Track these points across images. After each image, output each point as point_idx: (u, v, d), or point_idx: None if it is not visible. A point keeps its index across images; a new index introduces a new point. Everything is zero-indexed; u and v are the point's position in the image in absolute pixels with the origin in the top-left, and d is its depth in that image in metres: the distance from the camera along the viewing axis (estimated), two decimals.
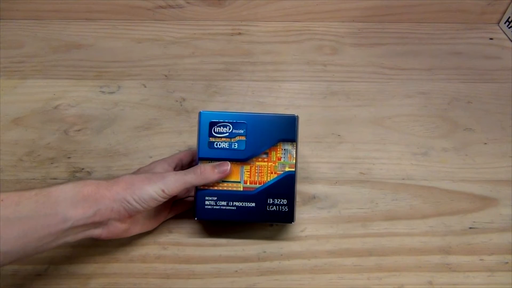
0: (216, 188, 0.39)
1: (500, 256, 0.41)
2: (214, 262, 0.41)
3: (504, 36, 0.70)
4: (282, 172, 0.39)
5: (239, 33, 0.71)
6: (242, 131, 0.39)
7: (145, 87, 0.60)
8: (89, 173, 0.48)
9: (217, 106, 0.57)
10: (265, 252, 0.42)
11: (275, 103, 0.58)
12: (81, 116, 0.56)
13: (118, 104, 0.57)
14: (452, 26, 0.72)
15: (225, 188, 0.39)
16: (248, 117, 0.39)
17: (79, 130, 0.54)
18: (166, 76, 0.62)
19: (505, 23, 0.71)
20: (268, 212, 0.39)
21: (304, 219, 0.44)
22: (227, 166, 0.38)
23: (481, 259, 0.41)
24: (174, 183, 0.36)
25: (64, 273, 0.40)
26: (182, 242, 0.43)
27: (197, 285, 0.39)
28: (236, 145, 0.39)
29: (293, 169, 0.39)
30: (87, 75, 0.62)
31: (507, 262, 0.41)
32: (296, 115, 0.40)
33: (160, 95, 0.59)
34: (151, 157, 0.50)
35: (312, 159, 0.50)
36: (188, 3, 0.70)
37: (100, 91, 0.59)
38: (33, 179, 0.48)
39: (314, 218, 0.45)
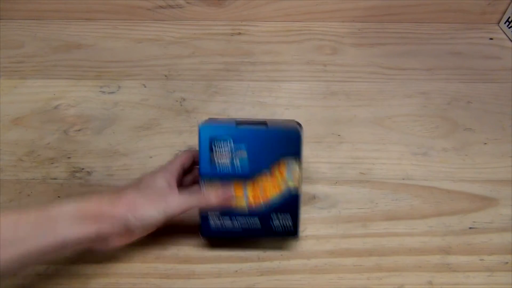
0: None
1: (500, 256, 0.41)
2: (214, 262, 0.41)
3: (504, 36, 0.70)
4: (285, 188, 0.38)
5: (239, 33, 0.71)
6: (243, 148, 0.38)
7: (145, 87, 0.60)
8: (89, 173, 0.48)
9: (217, 106, 0.57)
10: (265, 252, 0.42)
11: (275, 103, 0.58)
12: (81, 116, 0.56)
13: (118, 104, 0.57)
14: (452, 26, 0.72)
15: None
16: (249, 132, 0.38)
17: (79, 130, 0.54)
18: (166, 76, 0.62)
19: (505, 23, 0.71)
20: (272, 227, 0.39)
21: (304, 219, 0.44)
22: (231, 195, 0.38)
23: (481, 259, 0.41)
24: (177, 207, 0.36)
25: (64, 273, 0.40)
26: (182, 242, 0.43)
27: (197, 285, 0.39)
28: (238, 162, 0.38)
29: (297, 185, 0.38)
30: (87, 75, 0.62)
31: (507, 262, 0.41)
32: (299, 128, 0.38)
33: (160, 95, 0.59)
34: (151, 157, 0.50)
35: (312, 159, 0.50)
36: (188, 3, 0.70)
37: (100, 91, 0.59)
38: (33, 179, 0.48)
39: (314, 218, 0.45)
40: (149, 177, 0.38)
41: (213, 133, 0.38)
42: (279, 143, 0.38)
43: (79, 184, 0.47)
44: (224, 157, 0.38)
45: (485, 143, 0.53)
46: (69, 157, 0.50)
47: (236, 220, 0.39)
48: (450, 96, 0.59)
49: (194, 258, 0.41)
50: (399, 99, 0.59)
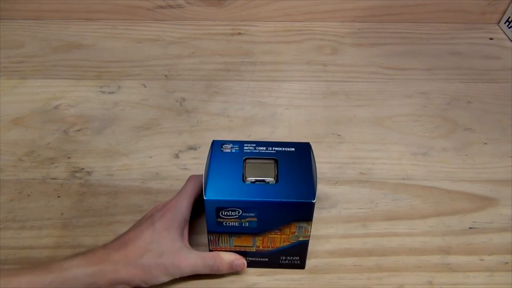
0: (228, 249, 0.38)
1: (500, 256, 0.41)
2: None
3: (504, 36, 0.70)
4: (295, 241, 0.37)
5: (239, 33, 0.71)
6: (253, 214, 0.35)
7: (145, 87, 0.60)
8: (89, 173, 0.49)
9: (217, 106, 0.57)
10: None
11: (275, 103, 0.58)
12: (81, 116, 0.56)
13: (118, 104, 0.57)
14: (452, 26, 0.72)
15: (237, 250, 0.38)
16: (259, 204, 0.34)
17: (79, 130, 0.54)
18: (166, 76, 0.62)
19: (505, 23, 0.71)
20: (280, 264, 0.40)
21: None
22: (243, 263, 0.38)
23: (481, 259, 0.41)
24: (188, 272, 0.36)
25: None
26: None
27: (197, 285, 0.39)
28: (247, 224, 0.36)
29: (307, 239, 0.37)
30: (87, 75, 0.62)
31: (507, 262, 0.41)
32: (313, 201, 0.34)
33: (160, 95, 0.59)
34: (151, 157, 0.50)
35: None
36: (188, 3, 0.70)
37: (100, 91, 0.59)
38: (33, 179, 0.48)
39: (314, 218, 0.45)
40: (163, 233, 0.36)
41: (220, 204, 0.34)
42: (291, 211, 0.35)
43: (79, 184, 0.47)
44: (232, 221, 0.35)
45: (485, 143, 0.53)
46: (69, 157, 0.50)
47: (246, 258, 0.39)
48: (450, 96, 0.59)
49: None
50: (399, 99, 0.59)
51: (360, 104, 0.58)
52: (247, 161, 0.36)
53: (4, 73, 0.62)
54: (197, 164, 0.50)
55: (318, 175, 0.36)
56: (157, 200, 0.46)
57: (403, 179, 0.49)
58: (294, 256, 0.39)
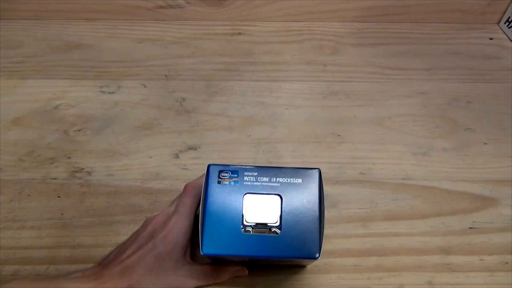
0: (229, 259, 0.37)
1: (500, 256, 0.41)
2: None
3: (504, 36, 0.70)
4: (300, 264, 0.38)
5: (239, 33, 0.71)
6: (255, 259, 0.34)
7: (145, 87, 0.60)
8: (89, 173, 0.48)
9: (217, 106, 0.57)
10: None
11: (275, 103, 0.58)
12: (81, 116, 0.56)
13: (118, 104, 0.57)
14: (452, 26, 0.72)
15: (238, 261, 0.38)
16: (260, 258, 0.33)
17: (79, 130, 0.54)
18: (166, 76, 0.62)
19: (505, 23, 0.71)
20: (282, 266, 0.40)
21: None
22: (244, 270, 0.39)
23: (481, 259, 0.41)
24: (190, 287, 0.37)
25: (64, 273, 0.40)
26: None
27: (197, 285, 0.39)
28: (248, 260, 0.35)
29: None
30: (87, 75, 0.62)
31: (507, 262, 0.41)
32: (317, 257, 0.31)
33: (160, 95, 0.59)
34: (151, 157, 0.50)
35: (312, 159, 0.50)
36: (188, 3, 0.70)
37: (100, 91, 0.59)
38: (33, 179, 0.48)
39: None
40: (166, 258, 0.35)
41: (218, 256, 0.32)
42: (295, 258, 0.33)
43: (79, 184, 0.47)
44: (233, 259, 0.35)
45: (485, 143, 0.53)
46: (69, 157, 0.50)
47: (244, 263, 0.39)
48: (450, 96, 0.59)
49: (194, 258, 0.41)
50: (399, 99, 0.59)
51: (360, 104, 0.58)
52: (247, 198, 0.32)
53: (4, 73, 0.62)
54: (197, 164, 0.50)
55: None
56: (157, 200, 0.46)
57: (403, 179, 0.49)
58: (297, 265, 0.39)
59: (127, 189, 0.47)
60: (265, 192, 0.32)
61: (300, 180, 0.33)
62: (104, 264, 0.35)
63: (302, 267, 0.40)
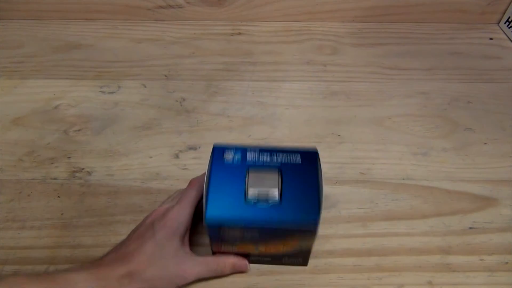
0: (231, 251, 0.38)
1: (500, 256, 0.41)
2: None
3: (504, 36, 0.70)
4: (299, 247, 0.37)
5: (239, 33, 0.71)
6: (255, 233, 0.34)
7: (145, 87, 0.60)
8: (89, 173, 0.48)
9: (217, 106, 0.57)
10: None
11: (275, 103, 0.58)
12: (81, 116, 0.56)
13: (118, 104, 0.57)
14: (452, 26, 0.72)
15: (240, 251, 0.38)
16: (261, 227, 0.33)
17: (79, 130, 0.54)
18: (166, 76, 0.62)
19: (505, 23, 0.71)
20: (283, 263, 0.40)
21: None
22: (246, 265, 0.39)
23: (481, 259, 0.41)
24: (193, 280, 0.36)
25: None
26: None
27: (197, 285, 0.39)
28: (250, 237, 0.35)
29: (310, 247, 0.37)
30: (87, 75, 0.62)
31: (507, 262, 0.41)
32: (317, 225, 0.33)
33: (160, 95, 0.59)
34: (151, 157, 0.50)
35: None
36: (188, 3, 0.70)
37: (100, 91, 0.59)
38: (33, 179, 0.48)
39: None
40: (166, 244, 0.35)
41: (221, 225, 0.33)
42: (294, 233, 0.34)
43: (79, 184, 0.47)
44: (234, 236, 0.35)
45: (485, 143, 0.53)
46: (69, 157, 0.50)
47: (248, 258, 0.39)
48: (450, 96, 0.59)
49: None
50: (399, 99, 0.59)
51: (360, 104, 0.58)
52: (250, 173, 0.34)
53: (4, 73, 0.62)
54: (197, 164, 0.50)
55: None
56: (157, 200, 0.46)
57: (403, 179, 0.49)
58: (297, 257, 0.39)
59: (127, 189, 0.47)
60: (266, 168, 0.34)
61: (299, 158, 0.35)
62: (105, 258, 0.35)
63: (303, 264, 0.40)
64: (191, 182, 0.40)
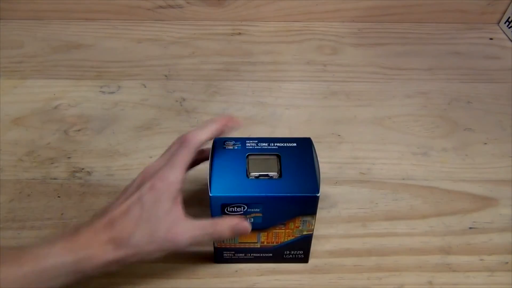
0: (233, 246, 0.38)
1: (500, 256, 0.41)
2: (214, 262, 0.41)
3: (504, 36, 0.70)
4: (299, 235, 0.38)
5: (239, 33, 0.71)
6: (258, 210, 0.35)
7: (145, 87, 0.60)
8: (89, 173, 0.48)
9: (217, 106, 0.57)
10: None
11: (275, 103, 0.58)
12: (81, 116, 0.56)
13: (118, 104, 0.57)
14: (452, 26, 0.72)
15: (242, 246, 0.38)
16: (264, 199, 0.34)
17: (79, 130, 0.54)
18: (166, 76, 0.62)
19: (505, 23, 0.71)
20: (283, 257, 0.40)
21: None
22: (247, 228, 0.35)
23: (481, 259, 0.41)
24: (187, 245, 0.33)
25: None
26: None
27: (197, 285, 0.39)
28: (252, 220, 0.35)
29: (311, 232, 0.37)
30: (87, 75, 0.62)
31: (507, 262, 0.41)
32: (318, 194, 0.34)
33: (160, 95, 0.59)
34: (151, 157, 0.50)
35: None
36: (188, 3, 0.70)
37: (100, 91, 0.59)
38: (33, 179, 0.48)
39: None
40: (153, 207, 0.32)
41: (225, 201, 0.34)
42: (296, 205, 0.35)
43: (79, 184, 0.47)
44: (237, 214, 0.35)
45: (485, 143, 0.53)
46: (69, 157, 0.50)
47: (250, 255, 0.39)
48: (450, 96, 0.59)
49: (195, 259, 0.41)
50: (399, 99, 0.59)
51: (360, 104, 0.58)
52: (250, 157, 0.37)
53: (4, 73, 0.62)
54: None
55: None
56: None
57: (403, 179, 0.49)
58: (298, 251, 0.39)
59: None
60: (265, 153, 0.37)
61: (295, 144, 0.38)
62: (92, 218, 0.33)
63: (304, 260, 0.40)
64: (184, 141, 0.36)
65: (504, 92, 0.60)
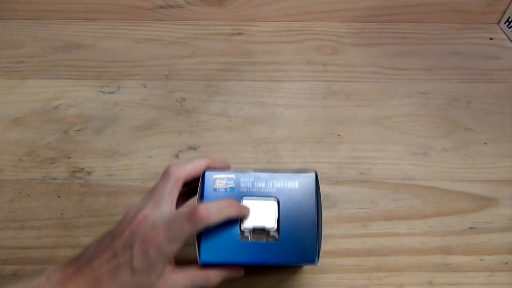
0: None
1: (500, 256, 0.41)
2: None
3: (504, 36, 0.70)
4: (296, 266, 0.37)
5: (239, 33, 0.71)
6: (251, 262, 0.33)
7: (145, 87, 0.60)
8: (89, 173, 0.48)
9: (217, 106, 0.57)
10: None
11: (275, 103, 0.58)
12: (81, 116, 0.56)
13: (118, 104, 0.57)
14: (452, 26, 0.72)
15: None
16: (258, 264, 0.32)
17: (79, 130, 0.54)
18: (166, 76, 0.62)
19: (505, 23, 0.71)
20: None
21: None
22: (240, 273, 0.34)
23: (481, 259, 0.41)
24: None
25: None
26: None
27: None
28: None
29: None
30: (87, 75, 0.62)
31: (507, 262, 0.41)
32: (316, 262, 0.31)
33: (160, 95, 0.59)
34: (151, 157, 0.50)
35: (312, 159, 0.50)
36: (188, 3, 0.70)
37: (100, 91, 0.59)
38: (33, 179, 0.48)
39: None
40: (143, 273, 0.29)
41: (217, 263, 0.31)
42: (292, 265, 0.34)
43: (79, 184, 0.47)
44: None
45: (485, 143, 0.53)
46: (69, 157, 0.50)
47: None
48: (450, 96, 0.59)
49: (194, 258, 0.41)
50: (399, 99, 0.59)
51: (360, 104, 0.58)
52: (244, 203, 0.32)
53: (4, 73, 0.62)
54: None
55: (319, 175, 0.35)
56: None
57: (403, 179, 0.49)
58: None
59: (127, 189, 0.47)
60: (262, 197, 0.32)
61: (296, 184, 0.33)
62: (75, 267, 0.30)
63: (300, 267, 0.40)
64: (165, 172, 0.33)
65: (504, 92, 0.60)
